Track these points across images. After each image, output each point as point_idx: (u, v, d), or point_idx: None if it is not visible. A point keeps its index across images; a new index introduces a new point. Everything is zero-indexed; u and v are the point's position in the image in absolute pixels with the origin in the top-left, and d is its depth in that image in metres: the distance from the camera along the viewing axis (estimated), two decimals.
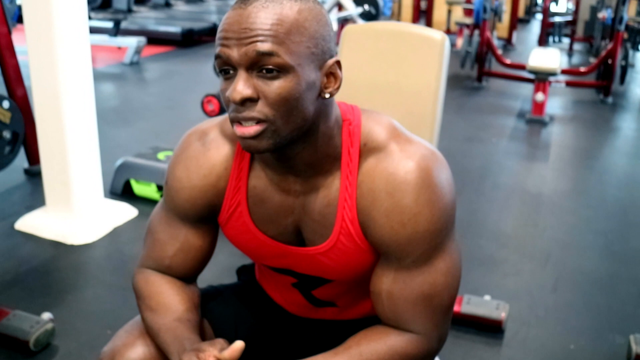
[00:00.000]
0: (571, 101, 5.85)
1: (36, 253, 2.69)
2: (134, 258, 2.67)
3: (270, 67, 0.87)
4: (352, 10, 5.57)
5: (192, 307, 1.11)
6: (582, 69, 5.85)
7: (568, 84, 5.77)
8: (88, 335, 2.13)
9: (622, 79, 5.99)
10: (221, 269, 2.22)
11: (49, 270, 2.57)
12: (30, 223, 2.87)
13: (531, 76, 5.17)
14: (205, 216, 1.09)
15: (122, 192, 3.26)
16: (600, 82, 5.77)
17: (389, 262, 1.00)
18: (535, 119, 4.96)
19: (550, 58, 5.13)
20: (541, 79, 4.96)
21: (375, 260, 1.03)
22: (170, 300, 1.09)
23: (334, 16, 5.06)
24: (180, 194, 1.07)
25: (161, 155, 3.27)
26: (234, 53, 0.87)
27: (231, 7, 0.91)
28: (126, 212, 3.04)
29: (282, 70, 0.87)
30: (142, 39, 6.85)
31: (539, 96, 4.95)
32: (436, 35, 1.48)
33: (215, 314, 1.19)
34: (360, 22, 5.46)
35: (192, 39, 8.08)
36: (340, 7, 5.69)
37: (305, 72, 0.89)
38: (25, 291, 2.38)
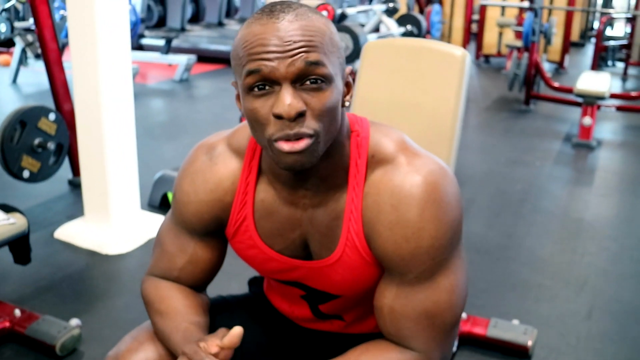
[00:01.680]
0: (621, 126, 5.69)
1: (72, 261, 2.76)
2: None
3: (317, 77, 0.87)
4: (394, 30, 5.57)
5: (202, 312, 1.12)
6: (634, 94, 5.69)
7: (619, 108, 5.62)
8: (114, 342, 2.12)
9: None
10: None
11: (83, 278, 2.63)
12: (68, 232, 2.94)
13: (579, 100, 5.06)
14: (213, 230, 1.10)
15: (160, 204, 3.31)
16: None
17: (392, 276, 0.98)
18: (582, 143, 4.84)
19: (599, 82, 5.02)
20: (589, 102, 4.84)
21: (381, 274, 1.02)
22: (180, 304, 1.10)
23: (375, 36, 5.06)
24: (188, 207, 1.08)
25: None
26: (279, 66, 0.86)
27: (252, 22, 0.90)
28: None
29: (326, 80, 0.88)
30: (192, 57, 7.00)
31: (587, 120, 4.83)
32: (457, 51, 1.47)
33: (222, 325, 1.19)
34: None
35: None
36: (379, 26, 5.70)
37: (338, 82, 0.91)
38: (58, 297, 2.44)
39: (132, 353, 1.11)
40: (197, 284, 1.15)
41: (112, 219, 2.91)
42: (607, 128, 5.54)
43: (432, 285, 0.97)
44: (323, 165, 0.96)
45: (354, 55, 2.96)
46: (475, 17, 9.18)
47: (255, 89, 0.89)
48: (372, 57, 1.53)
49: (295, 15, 0.89)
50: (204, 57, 7.92)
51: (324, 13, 3.11)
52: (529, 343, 2.09)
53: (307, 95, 0.88)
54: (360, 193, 0.97)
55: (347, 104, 0.96)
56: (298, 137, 0.88)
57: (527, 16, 5.99)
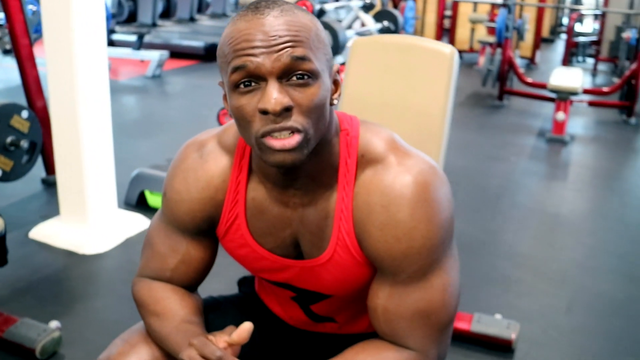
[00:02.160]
0: (593, 121, 5.78)
1: (49, 262, 2.70)
2: None
3: (303, 73, 0.86)
4: (372, 26, 5.58)
5: (198, 311, 1.11)
6: (605, 89, 5.77)
7: (590, 103, 5.70)
8: (95, 344, 2.12)
9: None
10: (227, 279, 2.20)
11: (61, 279, 2.58)
12: (44, 232, 2.89)
13: (553, 95, 5.11)
14: (205, 229, 1.08)
15: (137, 203, 3.27)
16: (623, 102, 5.69)
17: (384, 276, 0.98)
18: (556, 138, 4.90)
19: (572, 77, 5.08)
20: (562, 98, 4.90)
21: (373, 274, 1.01)
22: (176, 305, 1.08)
23: (352, 32, 5.06)
24: (180, 206, 1.06)
25: None
26: (265, 61, 0.85)
27: (237, 19, 0.89)
28: (139, 223, 3.05)
29: (312, 76, 0.87)
30: (164, 53, 6.92)
31: (560, 115, 4.89)
32: (445, 49, 1.47)
33: (215, 325, 1.18)
34: None
35: (215, 54, 8.14)
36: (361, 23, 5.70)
37: (325, 79, 0.90)
38: (37, 299, 2.39)
39: (124, 356, 1.09)
40: (190, 284, 1.14)
41: (89, 218, 2.86)
42: (580, 123, 5.61)
43: (425, 284, 0.96)
44: (312, 163, 0.95)
45: (333, 51, 2.94)
46: (448, 13, 9.24)
47: (241, 86, 0.88)
48: (360, 55, 1.52)
49: (280, 10, 0.88)
50: (177, 53, 7.83)
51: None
52: (513, 337, 2.11)
53: (294, 91, 0.87)
54: (351, 192, 0.97)
55: (335, 102, 0.95)
56: (286, 131, 0.87)
57: (501, 12, 6.03)
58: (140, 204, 3.27)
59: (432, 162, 0.98)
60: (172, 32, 8.88)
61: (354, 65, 1.52)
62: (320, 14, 3.58)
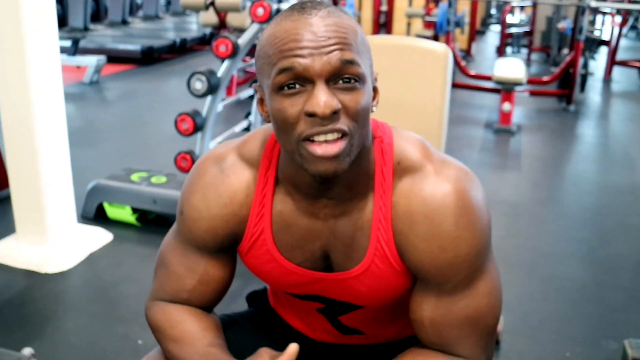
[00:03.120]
0: (535, 110, 5.94)
1: (9, 284, 2.56)
2: (114, 284, 2.57)
3: (350, 77, 0.84)
4: None
5: (219, 333, 1.06)
6: (545, 79, 5.95)
7: (532, 93, 5.85)
8: None
9: (583, 87, 6.12)
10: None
11: (25, 302, 2.45)
12: (0, 252, 2.74)
13: (496, 86, 5.23)
14: (226, 246, 1.03)
15: (95, 216, 3.15)
16: (562, 90, 5.87)
17: (428, 287, 0.95)
18: (503, 128, 5.01)
19: (515, 68, 5.20)
20: (507, 89, 5.01)
21: (410, 283, 0.98)
22: (195, 328, 1.04)
23: None
24: (199, 224, 1.01)
25: (135, 177, 3.18)
26: (314, 63, 0.82)
27: (281, 19, 0.86)
28: (101, 237, 2.93)
29: (359, 80, 0.85)
30: (101, 58, 6.70)
31: (506, 106, 5.00)
32: (439, 48, 1.46)
33: (233, 343, 1.13)
34: None
35: (152, 57, 7.95)
36: None
37: (369, 84, 0.88)
38: (3, 325, 2.26)
39: None
40: (208, 305, 1.09)
41: (49, 235, 2.73)
42: (523, 113, 5.76)
43: (471, 292, 0.95)
44: (349, 172, 0.91)
45: None
46: (384, 8, 9.31)
47: (286, 88, 0.84)
48: None
49: (327, 12, 0.86)
50: (112, 58, 7.61)
51: (260, 10, 3.03)
52: (499, 330, 2.13)
53: (341, 94, 0.84)
54: (389, 201, 0.94)
55: (374, 108, 0.92)
56: (333, 133, 0.83)
57: (441, 6, 6.12)
58: (98, 217, 3.14)
59: (465, 167, 0.97)
60: (104, 35, 8.63)
61: None
62: (278, 13, 3.51)
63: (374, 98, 0.92)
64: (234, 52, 3.12)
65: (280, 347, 1.15)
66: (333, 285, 1.02)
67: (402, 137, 0.97)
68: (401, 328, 1.15)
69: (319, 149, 0.84)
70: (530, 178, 4.10)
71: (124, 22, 9.74)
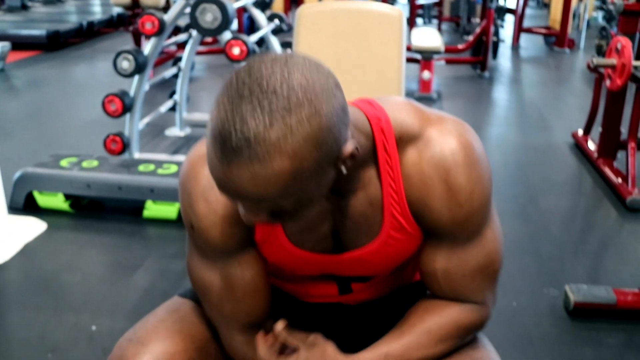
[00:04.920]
0: (452, 78, 6.11)
1: None
2: (55, 274, 2.49)
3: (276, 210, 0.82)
4: None
5: None
6: (460, 47, 6.12)
7: (448, 61, 6.01)
8: None
9: (495, 54, 6.34)
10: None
11: None
12: None
13: (414, 56, 5.34)
14: (246, 240, 0.99)
15: (24, 206, 3.01)
16: (477, 58, 6.06)
17: (441, 241, 0.98)
18: (424, 96, 5.14)
19: (432, 37, 5.33)
20: (426, 57, 5.13)
21: (423, 241, 1.00)
22: None
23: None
24: (213, 232, 0.96)
25: (64, 163, 3.06)
26: (238, 205, 0.83)
27: (212, 145, 0.75)
28: (34, 226, 2.82)
29: (289, 207, 0.81)
30: (6, 44, 6.36)
31: (426, 74, 5.12)
32: (393, 11, 1.48)
33: None
34: None
35: (59, 42, 7.61)
36: None
37: (315, 187, 0.80)
38: None
39: (139, 356, 1.02)
40: (265, 311, 1.07)
41: None
42: (441, 81, 5.91)
43: (481, 239, 0.98)
44: (336, 181, 0.88)
45: (222, 26, 2.86)
46: None
47: None
48: (308, 23, 1.49)
49: (248, 160, 0.72)
50: (16, 44, 7.22)
51: (236, 50, 2.91)
52: None
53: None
54: (398, 177, 0.93)
55: (344, 171, 0.83)
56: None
57: None
58: (28, 207, 3.01)
59: (459, 119, 0.99)
60: (5, 21, 8.19)
61: (304, 35, 1.49)
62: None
63: (349, 165, 0.83)
64: (160, 29, 3.05)
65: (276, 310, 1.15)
66: (347, 264, 1.02)
67: (394, 108, 0.96)
68: (406, 279, 1.17)
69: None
70: None
71: (24, 7, 9.28)
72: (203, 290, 1.04)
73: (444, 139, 0.93)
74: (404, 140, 0.93)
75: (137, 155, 3.22)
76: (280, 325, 0.98)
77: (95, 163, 3.07)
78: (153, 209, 2.90)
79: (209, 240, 0.97)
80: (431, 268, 1.00)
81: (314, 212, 0.92)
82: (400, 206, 0.95)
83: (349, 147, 0.80)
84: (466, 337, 1.03)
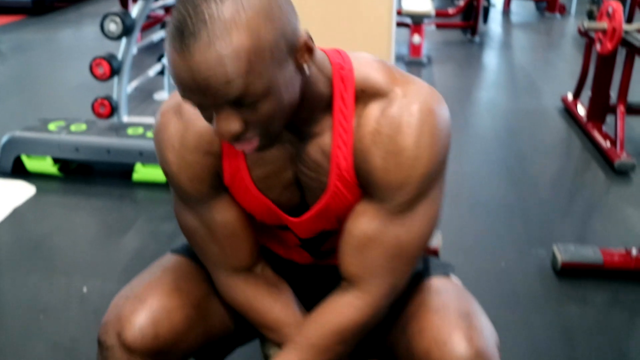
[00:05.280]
0: (442, 42, 6.07)
1: None
2: (46, 237, 2.49)
3: (247, 101, 0.79)
4: None
5: (292, 298, 1.10)
6: (450, 11, 6.08)
7: (438, 26, 5.98)
8: (21, 324, 1.97)
9: (485, 19, 6.30)
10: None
11: None
12: None
13: (406, 20, 5.30)
14: (217, 185, 1.01)
15: (12, 170, 2.99)
16: (467, 22, 6.02)
17: (370, 203, 0.96)
18: (414, 60, 5.11)
19: (422, 1, 5.28)
20: (417, 22, 5.10)
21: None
22: (282, 315, 1.07)
23: None
24: (182, 176, 0.99)
25: (52, 126, 3.04)
26: (202, 102, 0.79)
27: (168, 39, 0.78)
28: (23, 191, 2.81)
29: (259, 98, 0.79)
30: None
31: (416, 38, 5.09)
32: None
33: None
34: None
35: (45, 6, 7.48)
36: None
37: (281, 80, 0.81)
38: None
39: (136, 314, 1.03)
40: (254, 256, 1.09)
41: None
42: (431, 45, 5.88)
43: (410, 216, 0.95)
44: (300, 113, 0.90)
45: None
46: None
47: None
48: None
49: (208, 39, 0.75)
50: (1, 9, 7.11)
51: None
52: (438, 246, 2.23)
53: (244, 112, 0.81)
54: (350, 127, 0.93)
55: (307, 72, 0.86)
56: (242, 144, 0.85)
57: None
58: (16, 172, 2.99)
59: (431, 87, 0.97)
60: None
61: None
62: None
63: (307, 60, 0.85)
64: None
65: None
66: (305, 225, 1.03)
67: (362, 63, 0.95)
68: None
69: (238, 147, 0.86)
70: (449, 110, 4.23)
71: None
72: (188, 234, 1.07)
73: (407, 99, 0.92)
74: (368, 94, 0.93)
75: (125, 118, 3.20)
76: None
77: (83, 127, 3.04)
78: (142, 172, 2.89)
79: (180, 186, 1.00)
80: (351, 230, 0.97)
81: (280, 154, 0.91)
82: (347, 158, 0.94)
83: (302, 35, 0.83)
84: (352, 341, 1.02)
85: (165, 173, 1.01)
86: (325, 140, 0.95)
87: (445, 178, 1.00)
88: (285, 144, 0.97)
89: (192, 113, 0.96)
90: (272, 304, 1.07)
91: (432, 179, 0.93)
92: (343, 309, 0.99)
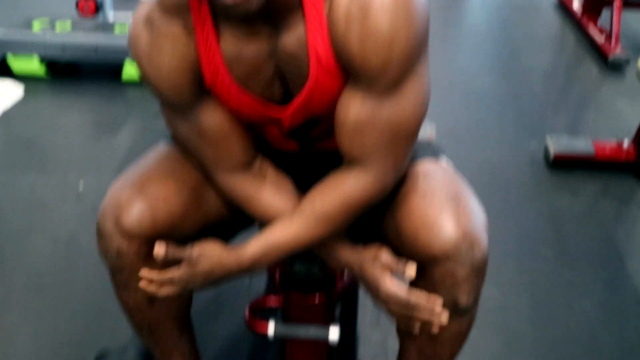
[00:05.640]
0: None
1: None
2: (38, 138, 2.48)
3: None
4: None
5: (293, 190, 1.10)
6: None
7: None
8: (20, 220, 1.99)
9: None
10: None
11: None
12: None
13: None
14: (199, 88, 0.99)
15: None
16: None
17: (357, 88, 0.94)
18: None
19: None
20: None
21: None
22: (281, 206, 1.07)
23: None
24: (164, 85, 0.97)
25: (36, 24, 2.96)
26: None
27: None
28: (11, 91, 2.77)
29: None
30: None
31: None
32: None
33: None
34: None
35: None
36: None
37: None
38: None
39: (133, 202, 1.03)
40: (247, 152, 1.07)
41: None
42: None
43: (398, 95, 0.93)
44: None
45: None
46: None
47: None
48: None
49: None
50: None
51: None
52: (431, 136, 2.24)
53: None
54: (321, 14, 0.90)
55: None
56: None
57: None
58: (2, 73, 2.94)
59: None
60: None
61: None
62: None
63: None
64: None
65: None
66: (292, 115, 1.02)
67: None
68: None
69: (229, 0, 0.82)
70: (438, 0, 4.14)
71: None
72: (181, 139, 1.07)
73: None
74: None
75: (111, 16, 3.11)
76: (159, 251, 1.00)
77: (68, 25, 2.96)
78: (132, 71, 2.85)
79: (164, 95, 0.99)
80: (342, 116, 0.96)
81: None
82: (324, 46, 0.92)
83: None
84: (356, 214, 1.02)
85: (147, 86, 1.00)
86: (300, 31, 0.92)
87: (429, 56, 0.97)
88: (261, 40, 0.95)
89: (163, 21, 0.94)
90: (272, 198, 1.08)
91: (413, 57, 0.91)
92: (350, 182, 0.99)
